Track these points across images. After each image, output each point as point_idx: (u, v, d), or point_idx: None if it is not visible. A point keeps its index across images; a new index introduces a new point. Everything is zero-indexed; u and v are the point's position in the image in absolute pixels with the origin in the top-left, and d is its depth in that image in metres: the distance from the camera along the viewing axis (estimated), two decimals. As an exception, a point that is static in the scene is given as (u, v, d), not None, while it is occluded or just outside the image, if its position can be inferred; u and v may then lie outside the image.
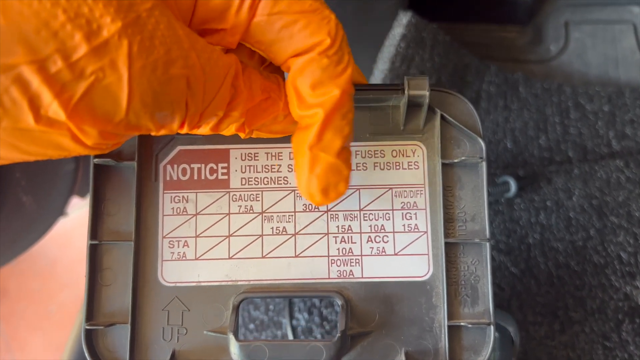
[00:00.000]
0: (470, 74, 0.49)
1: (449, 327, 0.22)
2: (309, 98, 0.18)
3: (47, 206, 0.45)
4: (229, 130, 0.19)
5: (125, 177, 0.23)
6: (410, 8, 0.49)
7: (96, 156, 0.23)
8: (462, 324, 0.22)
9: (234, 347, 0.21)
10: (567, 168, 0.44)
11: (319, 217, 0.23)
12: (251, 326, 0.40)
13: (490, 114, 0.47)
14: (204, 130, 0.19)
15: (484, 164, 0.23)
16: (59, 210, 0.46)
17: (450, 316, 0.22)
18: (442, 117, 0.23)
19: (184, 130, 0.18)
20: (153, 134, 0.17)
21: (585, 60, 0.51)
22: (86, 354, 0.22)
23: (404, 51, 0.47)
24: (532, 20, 0.53)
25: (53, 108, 0.14)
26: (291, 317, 0.40)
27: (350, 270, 0.23)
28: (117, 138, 0.17)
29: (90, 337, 0.22)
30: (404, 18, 0.48)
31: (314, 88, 0.18)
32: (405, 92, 0.22)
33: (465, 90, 0.48)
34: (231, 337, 0.21)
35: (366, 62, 0.48)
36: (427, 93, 0.22)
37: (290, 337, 0.39)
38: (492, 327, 0.22)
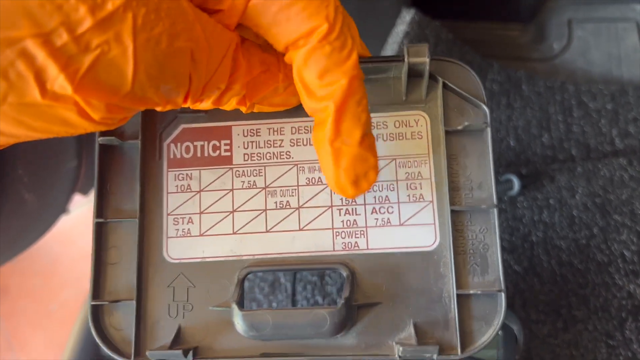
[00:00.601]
0: (473, 72, 0.49)
1: (458, 296, 0.21)
2: (318, 90, 0.18)
3: (49, 204, 0.44)
4: (230, 104, 0.19)
5: (130, 156, 0.23)
6: (413, 6, 0.49)
7: (101, 135, 0.23)
8: (471, 292, 0.21)
9: (237, 317, 0.21)
10: (570, 166, 0.44)
11: (323, 190, 0.23)
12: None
13: (493, 112, 0.47)
14: (206, 104, 0.19)
15: (489, 129, 0.22)
16: (61, 208, 0.46)
17: (459, 286, 0.22)
18: (445, 86, 0.23)
19: (187, 104, 0.18)
20: (159, 108, 0.17)
21: (588, 58, 0.51)
22: (93, 332, 0.22)
23: (406, 49, 0.47)
24: (535, 18, 0.53)
25: (59, 82, 0.14)
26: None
27: (355, 242, 0.22)
28: (124, 112, 0.17)
29: (97, 315, 0.22)
30: (407, 15, 0.48)
31: (321, 77, 0.18)
32: (405, 60, 0.21)
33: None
34: (235, 307, 0.21)
35: (369, 59, 0.48)
36: (427, 60, 0.21)
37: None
38: (502, 294, 0.21)
